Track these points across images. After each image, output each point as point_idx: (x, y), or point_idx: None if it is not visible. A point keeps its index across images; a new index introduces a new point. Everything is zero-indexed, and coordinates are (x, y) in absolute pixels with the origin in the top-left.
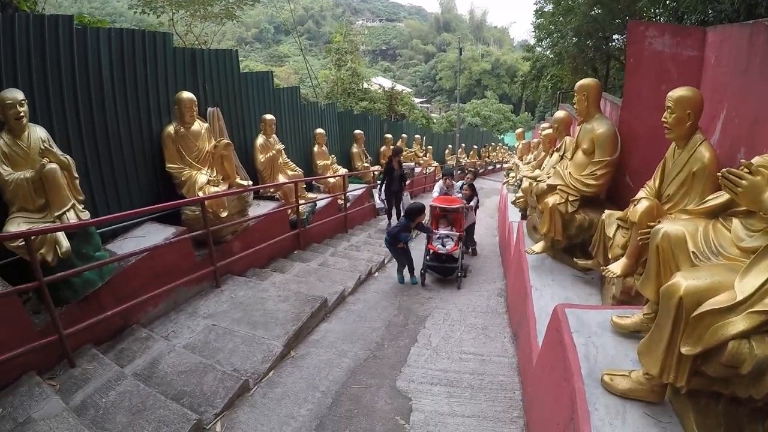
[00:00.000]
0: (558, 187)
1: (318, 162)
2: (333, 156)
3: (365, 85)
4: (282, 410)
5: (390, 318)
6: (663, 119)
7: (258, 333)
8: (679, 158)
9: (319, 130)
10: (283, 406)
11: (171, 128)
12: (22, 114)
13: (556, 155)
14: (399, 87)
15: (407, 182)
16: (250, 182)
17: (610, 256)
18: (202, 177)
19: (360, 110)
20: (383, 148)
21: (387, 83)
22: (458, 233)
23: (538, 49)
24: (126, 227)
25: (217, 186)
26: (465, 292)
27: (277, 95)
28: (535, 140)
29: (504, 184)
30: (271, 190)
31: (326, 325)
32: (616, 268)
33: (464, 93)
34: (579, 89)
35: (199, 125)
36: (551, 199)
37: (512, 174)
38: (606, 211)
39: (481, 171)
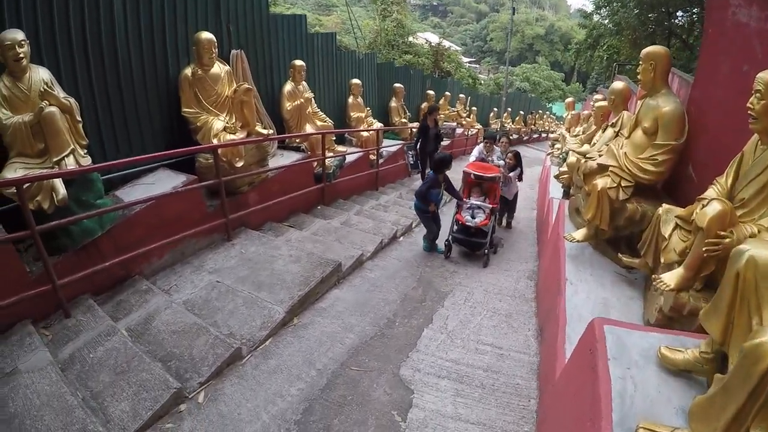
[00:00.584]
0: (610, 168)
1: (352, 114)
2: (368, 108)
3: (411, 39)
4: (271, 386)
5: (407, 291)
6: (749, 105)
7: (261, 295)
8: (763, 156)
9: (355, 81)
10: (273, 381)
11: (188, 70)
12: (21, 55)
13: (609, 131)
14: (446, 44)
15: (443, 142)
16: (272, 131)
17: (662, 260)
18: (218, 123)
19: (402, 63)
20: (424, 104)
21: (435, 39)
22: (491, 206)
23: (596, 17)
24: (137, 173)
25: (234, 134)
26: (492, 271)
27: (311, 40)
28: (586, 112)
29: (548, 155)
30: (297, 140)
31: (337, 291)
32: (670, 279)
33: (515, 56)
34: (645, 57)
35: (219, 68)
36: (601, 182)
37: (558, 146)
38: (664, 205)
39: (525, 138)
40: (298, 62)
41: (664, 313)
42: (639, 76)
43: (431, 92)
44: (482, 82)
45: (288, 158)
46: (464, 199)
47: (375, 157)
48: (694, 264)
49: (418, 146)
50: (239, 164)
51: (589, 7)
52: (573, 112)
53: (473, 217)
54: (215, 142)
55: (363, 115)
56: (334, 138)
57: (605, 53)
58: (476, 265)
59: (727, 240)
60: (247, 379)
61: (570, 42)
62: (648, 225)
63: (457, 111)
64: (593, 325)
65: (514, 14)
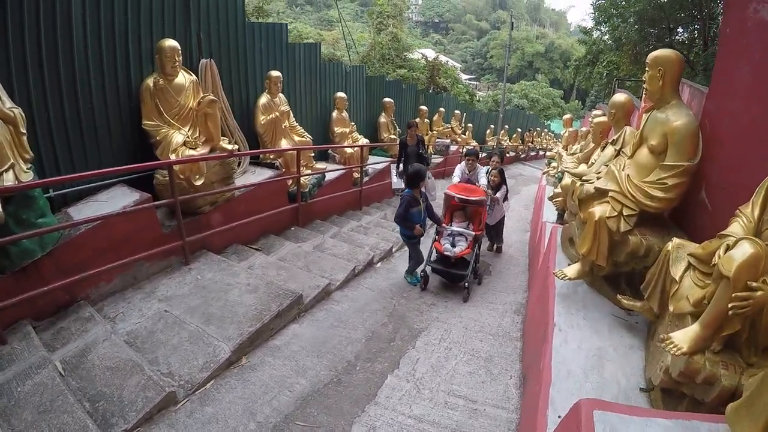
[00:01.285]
0: (610, 193)
1: (335, 129)
2: (353, 124)
3: (407, 55)
4: None
5: (375, 327)
6: None
7: (209, 329)
8: None
9: (340, 94)
10: None
11: (150, 80)
12: None
13: (609, 149)
14: (444, 59)
15: (435, 159)
16: (237, 147)
17: (671, 309)
18: (177, 137)
19: (396, 78)
20: (416, 120)
21: (432, 54)
22: (474, 232)
23: (596, 33)
24: (93, 189)
25: (195, 149)
26: (475, 303)
27: (292, 51)
28: (584, 129)
29: (544, 174)
30: (271, 156)
31: (296, 327)
32: (683, 340)
33: (514, 74)
34: (653, 62)
35: (183, 78)
36: (599, 210)
37: (554, 164)
38: (674, 239)
39: (522, 156)
40: (274, 73)
41: (671, 377)
42: (645, 86)
43: (424, 108)
44: (480, 99)
45: (260, 175)
46: (444, 225)
47: (359, 175)
48: (714, 321)
49: (400, 166)
50: (199, 182)
51: (590, 23)
52: (571, 129)
53: (453, 246)
54: (173, 157)
55: (347, 130)
56: (313, 154)
57: (605, 69)
58: (458, 297)
59: (760, 293)
60: (177, 429)
61: (570, 59)
62: (654, 262)
63: (452, 127)
64: (579, 409)
65: (512, 29)
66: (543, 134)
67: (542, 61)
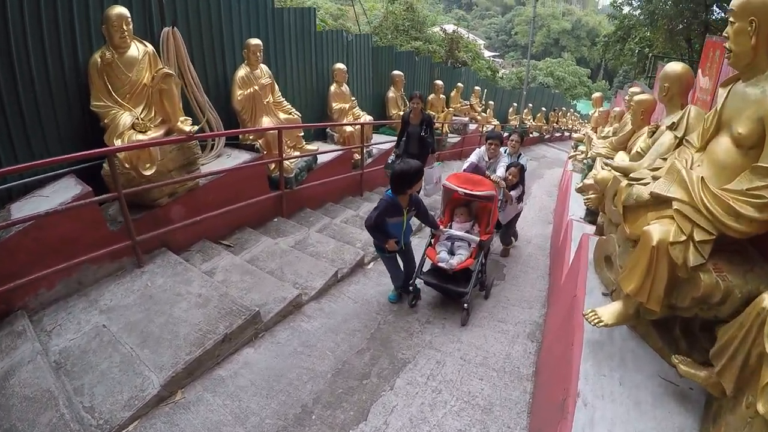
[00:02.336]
0: (675, 204)
1: (333, 104)
2: (353, 99)
3: (429, 30)
4: None
5: (349, 356)
6: None
7: (143, 354)
8: None
9: (339, 65)
10: None
11: (98, 55)
12: None
13: (668, 136)
14: (464, 32)
15: (451, 139)
16: (203, 127)
17: (760, 408)
18: (125, 119)
19: (409, 49)
20: (431, 96)
21: (452, 28)
22: (480, 238)
23: (626, 8)
24: (39, 182)
25: (145, 132)
26: (480, 322)
27: (279, 17)
28: (617, 109)
29: (570, 158)
30: (250, 137)
31: (250, 352)
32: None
33: (539, 51)
34: (741, 9)
35: (136, 50)
36: (658, 230)
37: (581, 147)
38: None
39: (546, 137)
40: (253, 41)
41: None
42: (728, 45)
43: (439, 82)
44: (503, 76)
45: (235, 159)
46: (441, 228)
47: (360, 157)
48: None
49: (400, 147)
50: (149, 171)
51: None
52: (601, 109)
53: (451, 253)
54: (117, 143)
55: (347, 106)
56: (302, 133)
57: (636, 46)
58: (460, 314)
59: None
60: None
61: (597, 37)
62: (731, 311)
63: (471, 104)
64: None
65: (537, 2)
66: (569, 114)
67: (569, 39)
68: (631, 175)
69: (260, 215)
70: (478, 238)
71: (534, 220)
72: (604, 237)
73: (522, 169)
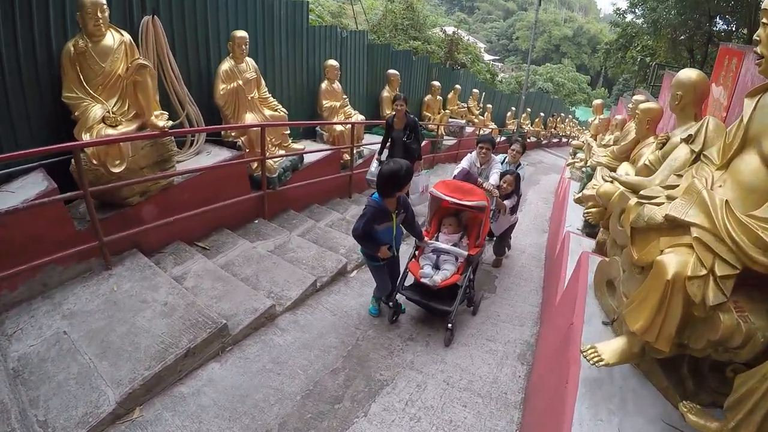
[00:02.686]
0: (694, 231)
1: (324, 102)
2: (345, 97)
3: (429, 31)
4: None
5: (322, 375)
6: None
7: (101, 367)
8: None
9: (331, 62)
10: None
11: (71, 43)
12: None
13: (683, 150)
14: (463, 34)
15: (448, 141)
16: (168, 123)
17: None
18: (96, 112)
19: (407, 49)
20: (428, 97)
21: (451, 30)
22: (468, 252)
23: (629, 16)
24: (14, 175)
25: (115, 126)
26: (468, 340)
27: (270, 8)
28: (619, 117)
29: (568, 165)
30: (233, 134)
31: (216, 367)
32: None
33: (540, 57)
34: None
35: (111, 39)
36: (674, 261)
37: (580, 155)
38: None
39: (544, 142)
40: (238, 33)
41: None
42: (760, 50)
43: (437, 83)
44: (502, 80)
45: (215, 157)
46: (426, 239)
47: (350, 157)
48: None
49: (384, 154)
50: (118, 169)
51: (624, 4)
52: (602, 117)
53: (436, 268)
54: (86, 138)
55: (338, 104)
56: (288, 131)
57: (639, 54)
58: (444, 333)
59: None
60: None
61: (598, 44)
62: (751, 355)
63: (469, 107)
64: None
65: (540, 6)
66: (567, 120)
67: (569, 46)
68: (641, 192)
69: (240, 216)
70: (465, 253)
71: (529, 228)
72: (606, 259)
73: (518, 178)
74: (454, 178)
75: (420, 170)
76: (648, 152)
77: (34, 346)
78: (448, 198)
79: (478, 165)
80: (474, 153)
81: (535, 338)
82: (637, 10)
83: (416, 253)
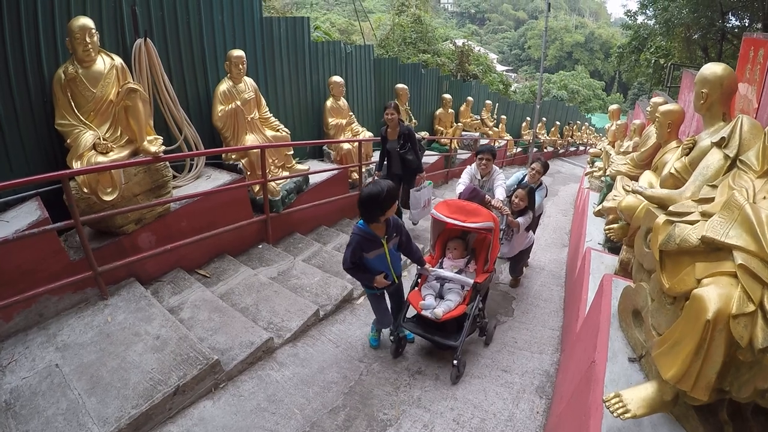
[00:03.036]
0: (738, 257)
1: (329, 120)
2: (351, 114)
3: (439, 44)
4: None
5: (320, 416)
6: None
7: (90, 403)
8: None
9: (335, 79)
10: None
11: (61, 70)
12: None
13: (716, 156)
14: (474, 46)
15: (461, 155)
16: (161, 148)
17: None
18: (86, 139)
19: (416, 62)
20: (439, 110)
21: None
22: (476, 279)
23: (641, 17)
24: (11, 203)
25: (106, 153)
26: (482, 371)
27: (269, 26)
28: (637, 121)
29: (587, 175)
30: (233, 156)
31: (207, 405)
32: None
33: (553, 65)
34: None
35: (102, 64)
36: (714, 296)
37: (598, 163)
38: None
39: (561, 151)
40: (235, 53)
41: None
42: None
43: (448, 96)
44: (516, 90)
45: (215, 181)
46: (428, 265)
47: (359, 176)
48: None
49: (382, 169)
50: (109, 197)
51: (634, 6)
52: (618, 122)
53: (440, 297)
54: (76, 166)
55: (344, 122)
56: (291, 152)
57: (653, 56)
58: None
59: None
60: None
61: (611, 49)
62: None
63: (482, 119)
64: None
65: (549, 11)
66: (583, 128)
67: (581, 52)
68: (670, 208)
69: (243, 242)
70: (471, 281)
71: (548, 242)
72: (631, 285)
73: (531, 192)
74: (459, 196)
75: (423, 183)
76: (673, 159)
77: (26, 379)
78: (449, 220)
79: (479, 177)
80: (473, 166)
81: (556, 367)
82: (648, 10)
83: (419, 280)
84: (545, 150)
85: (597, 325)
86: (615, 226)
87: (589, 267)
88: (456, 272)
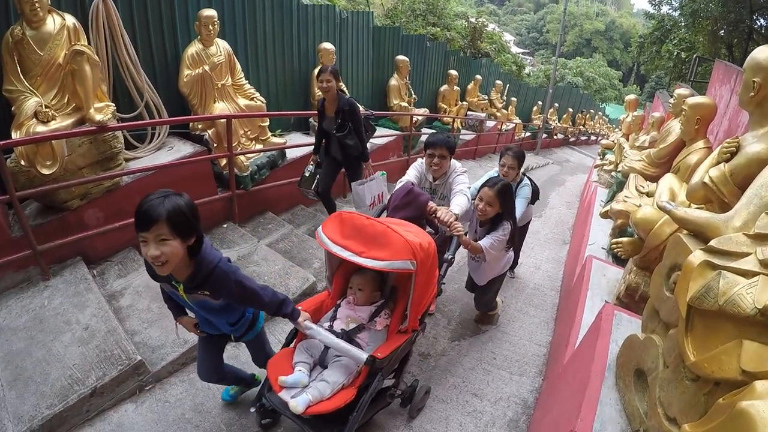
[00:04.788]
0: None
1: (317, 91)
2: (342, 84)
3: (454, 21)
4: None
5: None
6: None
7: (10, 396)
8: None
9: (325, 45)
10: None
11: (9, 32)
12: None
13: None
14: (491, 25)
15: (465, 136)
16: (108, 117)
17: None
18: (28, 106)
19: (424, 34)
20: (444, 87)
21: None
22: (375, 354)
23: (665, 8)
24: None
25: (47, 121)
26: (448, 394)
27: None
28: (657, 114)
29: (596, 168)
30: (199, 126)
31: (129, 409)
32: None
33: (570, 51)
34: None
35: (52, 24)
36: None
37: (609, 156)
38: None
39: (572, 140)
40: (206, 12)
41: None
42: None
43: (454, 72)
44: (530, 74)
45: (176, 153)
46: (306, 317)
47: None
48: None
49: (319, 150)
50: (49, 170)
51: None
52: (635, 114)
53: (323, 366)
54: (15, 135)
55: None
56: (267, 123)
57: (675, 48)
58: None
59: None
60: None
61: (631, 39)
62: None
63: (491, 99)
64: None
65: None
66: (596, 117)
67: (601, 40)
68: (712, 242)
69: (205, 220)
70: (364, 357)
71: (548, 238)
72: (639, 335)
73: (504, 191)
74: (390, 197)
75: (371, 174)
76: (706, 164)
77: None
78: (335, 249)
79: (431, 180)
80: (420, 161)
81: (535, 396)
82: (673, 1)
83: (296, 333)
84: (555, 137)
85: (586, 375)
86: (624, 240)
87: (588, 280)
88: (353, 328)
